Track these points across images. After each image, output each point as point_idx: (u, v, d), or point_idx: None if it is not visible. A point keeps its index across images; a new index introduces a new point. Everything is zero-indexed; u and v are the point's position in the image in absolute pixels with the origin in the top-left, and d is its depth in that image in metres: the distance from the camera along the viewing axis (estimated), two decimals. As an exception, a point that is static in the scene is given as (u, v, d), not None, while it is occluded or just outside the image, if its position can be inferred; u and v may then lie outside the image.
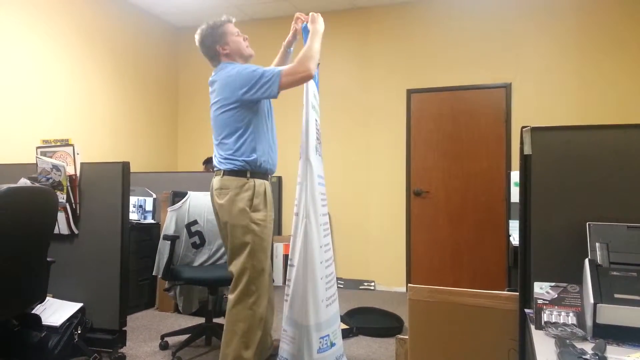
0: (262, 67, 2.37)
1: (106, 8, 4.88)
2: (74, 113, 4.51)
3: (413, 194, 5.03)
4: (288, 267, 2.49)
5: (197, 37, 2.54)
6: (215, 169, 2.50)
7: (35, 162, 2.94)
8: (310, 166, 2.45)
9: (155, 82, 5.64)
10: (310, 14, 2.56)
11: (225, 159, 2.40)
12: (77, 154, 2.93)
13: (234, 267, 2.37)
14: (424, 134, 5.02)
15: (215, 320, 3.19)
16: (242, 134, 2.39)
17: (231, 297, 2.37)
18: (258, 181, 2.41)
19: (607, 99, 4.48)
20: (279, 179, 5.39)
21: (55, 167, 2.86)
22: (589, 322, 1.34)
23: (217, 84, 2.43)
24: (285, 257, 4.30)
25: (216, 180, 2.44)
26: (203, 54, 2.56)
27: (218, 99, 2.42)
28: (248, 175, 2.38)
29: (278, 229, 5.30)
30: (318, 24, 2.49)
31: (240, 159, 2.38)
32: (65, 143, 3.02)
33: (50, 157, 2.94)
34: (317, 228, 2.44)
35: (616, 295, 1.33)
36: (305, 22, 2.58)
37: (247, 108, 2.38)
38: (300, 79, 2.33)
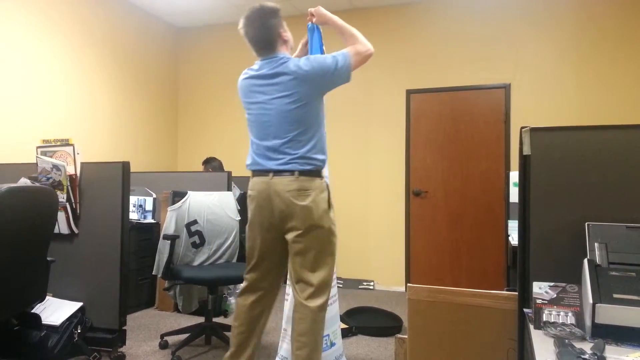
0: (328, 54, 2.29)
1: (107, 8, 4.88)
2: (75, 113, 4.52)
3: (412, 194, 5.03)
4: (288, 266, 2.49)
5: (256, 18, 2.25)
6: (279, 167, 2.20)
7: (35, 161, 2.94)
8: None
9: (156, 82, 5.64)
10: (310, 10, 2.47)
11: (301, 157, 2.18)
12: (78, 153, 2.93)
13: (322, 274, 2.19)
14: (423, 134, 5.03)
15: (214, 319, 3.20)
16: (316, 129, 2.23)
17: (317, 303, 2.17)
18: (327, 180, 2.31)
19: (606, 100, 4.49)
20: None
21: (56, 167, 2.86)
22: (587, 322, 1.35)
23: (284, 77, 2.20)
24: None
25: (288, 181, 2.17)
26: (257, 38, 2.25)
27: (291, 92, 2.19)
28: (322, 174, 2.26)
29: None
30: (326, 13, 2.43)
31: (317, 157, 2.21)
32: (66, 143, 3.02)
33: (51, 156, 2.94)
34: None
35: (615, 295, 1.33)
36: (310, 22, 2.53)
37: (320, 100, 2.27)
38: (367, 57, 2.28)
